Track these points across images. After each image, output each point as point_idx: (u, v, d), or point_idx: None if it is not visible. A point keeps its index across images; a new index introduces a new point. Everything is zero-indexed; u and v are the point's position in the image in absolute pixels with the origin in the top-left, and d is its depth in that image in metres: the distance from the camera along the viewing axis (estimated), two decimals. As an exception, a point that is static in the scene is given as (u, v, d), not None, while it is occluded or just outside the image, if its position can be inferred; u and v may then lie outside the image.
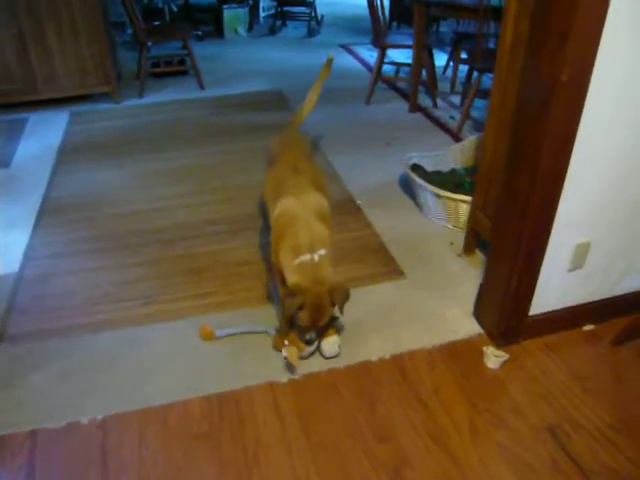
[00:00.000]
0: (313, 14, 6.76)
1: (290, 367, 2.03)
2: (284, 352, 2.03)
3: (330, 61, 2.75)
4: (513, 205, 1.91)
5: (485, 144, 2.38)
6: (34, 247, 2.80)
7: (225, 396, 1.97)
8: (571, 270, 2.08)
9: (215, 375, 2.05)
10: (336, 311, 1.99)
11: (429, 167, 3.10)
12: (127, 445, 1.82)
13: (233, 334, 2.19)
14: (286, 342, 2.06)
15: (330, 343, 2.09)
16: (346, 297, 1.97)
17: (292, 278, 1.93)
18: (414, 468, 1.73)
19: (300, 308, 1.89)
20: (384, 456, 1.77)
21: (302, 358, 2.06)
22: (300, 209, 2.05)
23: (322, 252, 1.96)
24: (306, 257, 1.93)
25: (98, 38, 4.41)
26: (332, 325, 2.11)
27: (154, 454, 1.79)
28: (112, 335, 2.24)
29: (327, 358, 2.10)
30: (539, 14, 1.61)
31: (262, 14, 7.17)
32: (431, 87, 4.44)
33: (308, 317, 1.91)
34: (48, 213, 3.11)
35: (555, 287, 2.10)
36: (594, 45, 1.54)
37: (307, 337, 2.00)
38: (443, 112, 4.33)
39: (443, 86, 4.79)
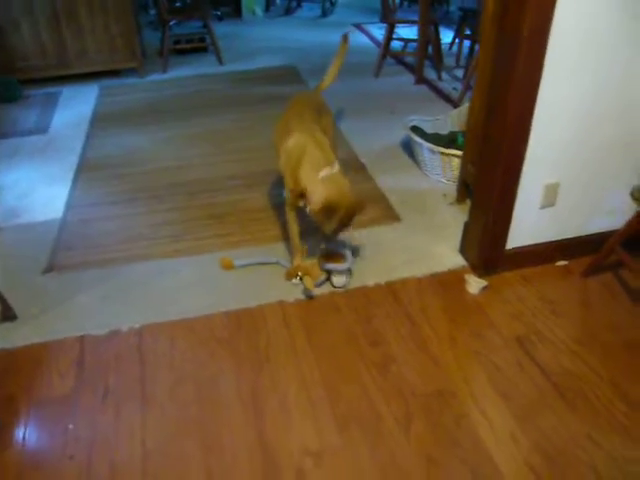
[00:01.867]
0: (327, -5, 7.05)
1: (307, 292, 2.37)
2: (295, 281, 2.40)
3: (345, 37, 3.02)
4: (489, 150, 2.22)
5: (473, 103, 2.68)
6: (74, 198, 3.17)
7: (242, 311, 2.32)
8: (542, 208, 2.37)
9: (233, 296, 2.39)
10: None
11: (429, 130, 3.40)
12: (160, 347, 2.18)
13: (249, 264, 2.53)
14: (299, 273, 2.39)
15: (339, 275, 2.41)
16: (363, 207, 2.19)
17: (322, 192, 2.10)
18: (399, 365, 2.07)
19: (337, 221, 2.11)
20: (375, 356, 2.10)
21: (317, 284, 2.39)
22: (307, 139, 2.24)
23: (337, 165, 2.19)
24: (327, 171, 2.14)
25: (126, 17, 4.76)
26: (341, 252, 2.42)
27: (183, 353, 2.14)
28: (145, 265, 2.60)
29: (336, 287, 2.42)
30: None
31: (278, -5, 7.48)
32: (436, 61, 4.73)
33: (338, 225, 2.12)
34: (85, 170, 3.47)
35: (529, 223, 2.41)
36: (551, 3, 1.83)
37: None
38: (447, 84, 4.61)
39: (449, 61, 5.07)
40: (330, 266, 2.37)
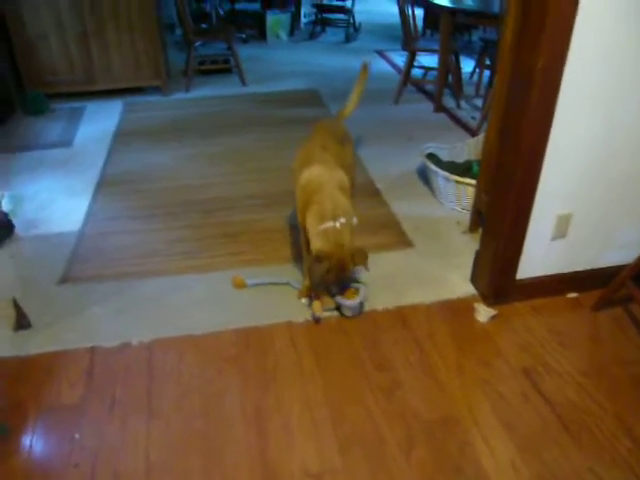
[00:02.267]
0: (351, 21, 7.17)
1: (313, 315, 2.38)
2: (304, 301, 2.43)
3: (365, 66, 3.10)
4: (502, 178, 2.24)
5: (488, 132, 2.70)
6: (93, 211, 3.25)
7: (251, 330, 2.35)
8: (554, 239, 2.38)
9: (243, 314, 2.42)
10: (362, 271, 2.34)
11: (445, 158, 3.43)
12: (168, 361, 2.21)
13: (261, 284, 2.56)
14: (312, 294, 2.41)
15: (349, 308, 2.41)
16: (366, 257, 2.26)
17: (316, 243, 2.22)
18: (405, 390, 2.07)
19: (326, 269, 2.19)
20: (381, 381, 2.11)
21: (325, 310, 2.40)
22: (325, 179, 2.32)
23: (342, 220, 2.24)
24: (329, 224, 2.22)
25: (152, 36, 4.89)
26: (354, 287, 2.42)
27: (190, 369, 2.17)
28: (158, 281, 2.65)
29: (347, 317, 2.42)
30: (523, 12, 1.95)
31: (303, 20, 7.62)
32: (456, 89, 4.78)
33: (333, 277, 2.22)
34: (105, 185, 3.55)
35: (540, 254, 2.41)
36: (566, 36, 1.86)
37: (333, 291, 2.33)
38: (466, 113, 4.66)
39: (469, 90, 5.12)
40: (340, 300, 2.37)
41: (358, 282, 2.45)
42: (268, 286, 2.57)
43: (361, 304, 2.41)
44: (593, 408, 2.01)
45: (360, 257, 2.24)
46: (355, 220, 2.88)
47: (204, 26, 6.53)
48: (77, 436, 1.91)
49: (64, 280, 2.66)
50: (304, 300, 2.44)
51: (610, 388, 2.10)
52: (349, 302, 2.36)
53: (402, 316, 2.43)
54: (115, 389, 2.10)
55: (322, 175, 2.34)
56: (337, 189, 2.32)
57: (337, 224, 2.22)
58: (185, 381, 2.12)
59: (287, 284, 2.55)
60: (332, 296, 2.37)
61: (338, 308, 2.43)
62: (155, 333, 2.34)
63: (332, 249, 2.18)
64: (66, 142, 4.24)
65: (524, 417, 1.97)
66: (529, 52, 1.94)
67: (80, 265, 2.77)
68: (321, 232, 2.22)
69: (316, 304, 2.36)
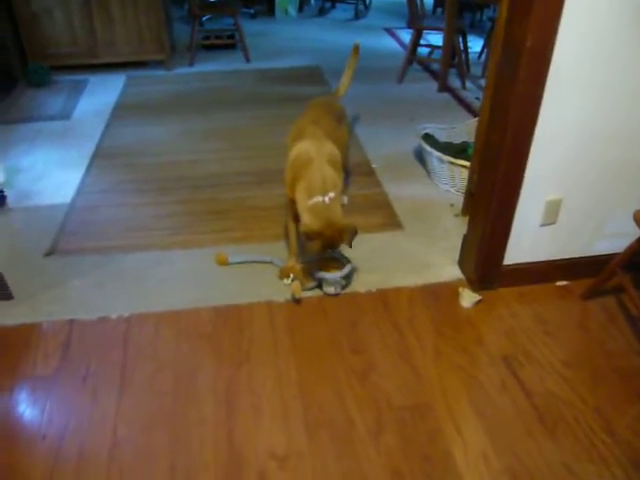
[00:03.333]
0: (361, -2, 7.03)
1: (293, 296, 2.34)
2: (286, 281, 2.38)
3: (356, 47, 3.06)
4: (489, 160, 2.17)
5: (482, 113, 2.62)
6: (85, 184, 3.23)
7: (230, 308, 2.32)
8: (543, 225, 2.32)
9: (224, 292, 2.40)
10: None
11: (443, 139, 3.36)
12: (145, 335, 2.19)
13: (243, 262, 2.53)
14: (291, 275, 2.39)
15: (330, 283, 2.37)
16: (354, 234, 2.23)
17: (306, 218, 2.18)
18: (379, 374, 2.04)
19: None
20: (356, 364, 2.08)
21: (305, 289, 2.37)
22: (314, 153, 2.27)
23: (332, 195, 2.20)
24: (318, 199, 2.18)
25: (155, 9, 4.83)
26: (339, 262, 2.41)
27: (166, 343, 2.16)
28: (142, 255, 2.63)
29: (327, 294, 2.39)
30: (513, -10, 1.87)
31: (313, -5, 7.49)
32: (461, 69, 4.67)
33: (321, 249, 2.19)
34: (99, 158, 3.53)
35: (528, 240, 2.35)
36: (555, 15, 1.78)
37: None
38: (470, 93, 4.55)
39: (477, 70, 5.00)
40: (321, 274, 2.35)
41: (346, 259, 2.42)
42: (251, 264, 2.54)
43: (343, 279, 2.38)
44: (572, 400, 1.96)
45: (347, 234, 2.19)
46: (345, 199, 2.84)
47: (211, 0, 6.43)
48: (47, 408, 1.91)
49: (51, 252, 2.65)
50: (286, 281, 2.40)
51: (592, 380, 2.04)
52: (329, 275, 2.33)
53: (384, 299, 2.38)
54: (90, 362, 2.09)
55: (311, 149, 2.29)
56: (326, 163, 2.27)
57: (326, 199, 2.18)
58: (159, 356, 2.11)
59: (270, 263, 2.52)
60: (314, 274, 2.34)
61: (320, 286, 2.39)
62: (135, 308, 2.32)
63: (321, 227, 2.15)
64: (66, 114, 4.23)
65: (499, 406, 1.93)
66: (519, 30, 1.86)
67: (68, 238, 2.76)
68: (310, 207, 2.18)
69: (296, 285, 2.32)
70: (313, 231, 2.14)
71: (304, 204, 2.20)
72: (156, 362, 2.08)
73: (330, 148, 2.35)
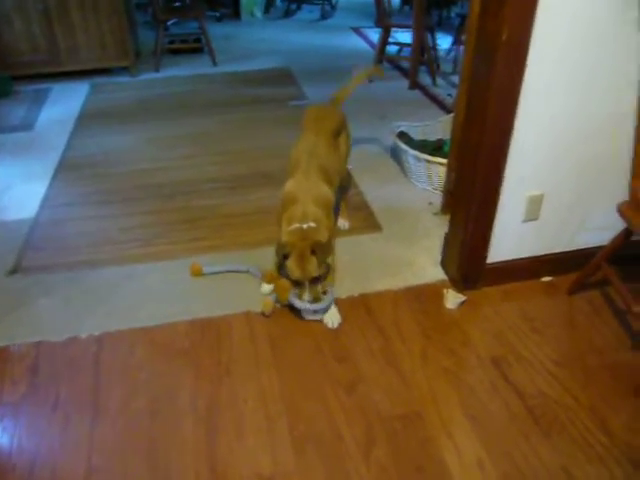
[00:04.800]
0: (327, -2, 6.97)
1: (263, 313, 2.22)
2: (265, 288, 2.30)
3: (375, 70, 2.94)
4: (468, 156, 2.11)
5: (457, 109, 2.57)
6: (50, 197, 3.09)
7: (207, 321, 2.22)
8: (526, 221, 2.26)
9: (200, 304, 2.29)
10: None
11: (417, 137, 3.30)
12: (118, 356, 2.08)
13: (219, 272, 2.43)
14: (268, 286, 2.30)
15: (331, 315, 2.22)
16: (327, 251, 2.15)
17: (283, 238, 2.17)
18: (367, 383, 1.96)
19: (286, 257, 2.10)
20: (341, 374, 1.99)
21: (280, 304, 2.25)
22: (302, 194, 2.22)
23: (312, 224, 2.15)
24: (296, 225, 2.15)
25: (117, 14, 4.69)
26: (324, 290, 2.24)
27: (140, 363, 2.04)
28: (112, 270, 2.50)
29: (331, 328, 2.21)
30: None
31: (279, -3, 7.41)
32: (431, 66, 4.63)
33: (294, 265, 2.09)
34: (64, 169, 3.39)
35: (511, 237, 2.30)
36: (531, 5, 1.73)
37: (304, 294, 2.14)
38: (442, 90, 4.51)
39: (447, 67, 4.97)
40: (293, 300, 2.17)
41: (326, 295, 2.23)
42: (227, 274, 2.43)
43: (317, 311, 2.19)
44: (566, 400, 1.91)
45: (319, 249, 2.10)
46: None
47: (176, 4, 6.30)
48: (16, 437, 1.79)
49: (14, 270, 2.52)
50: (266, 287, 2.31)
51: (584, 377, 1.99)
52: (301, 304, 2.16)
53: (366, 304, 2.31)
54: (60, 387, 1.97)
55: (299, 192, 2.25)
56: (311, 202, 2.22)
57: (304, 226, 2.15)
58: (134, 377, 1.99)
59: (247, 272, 2.42)
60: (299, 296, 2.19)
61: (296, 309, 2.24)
62: (106, 326, 2.20)
63: (295, 240, 2.11)
64: (28, 125, 4.07)
65: (492, 410, 1.86)
66: (493, 23, 1.80)
67: (32, 254, 2.62)
68: (289, 231, 2.17)
69: (267, 302, 2.22)
70: (286, 242, 2.11)
71: (285, 230, 2.19)
72: (131, 384, 1.97)
73: (320, 190, 2.28)
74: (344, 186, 2.71)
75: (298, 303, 2.16)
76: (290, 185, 2.30)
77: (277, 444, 1.75)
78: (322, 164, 2.36)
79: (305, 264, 2.10)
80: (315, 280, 2.14)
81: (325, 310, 2.21)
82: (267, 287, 2.32)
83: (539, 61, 1.88)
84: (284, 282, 2.21)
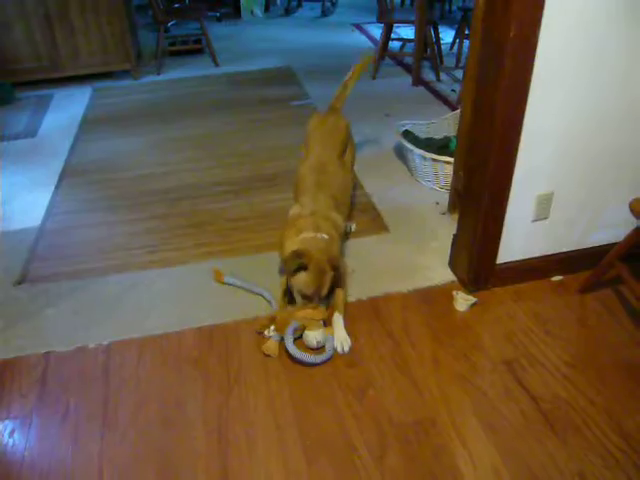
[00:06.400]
0: (328, -5, 6.93)
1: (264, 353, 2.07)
2: (267, 333, 2.10)
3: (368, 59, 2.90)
4: (477, 156, 2.08)
5: (464, 107, 2.53)
6: (55, 204, 3.07)
7: (216, 328, 2.20)
8: (536, 220, 2.23)
9: (208, 311, 2.27)
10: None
11: (422, 135, 3.27)
12: (127, 365, 2.06)
13: (236, 286, 2.36)
14: (272, 327, 2.08)
15: (341, 338, 2.10)
16: (344, 271, 2.12)
17: (297, 244, 2.06)
18: (378, 389, 1.93)
19: (303, 269, 1.98)
20: (351, 380, 1.97)
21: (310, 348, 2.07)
22: (310, 213, 2.22)
23: (325, 236, 2.10)
24: (310, 234, 2.09)
25: (119, 18, 4.67)
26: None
27: (149, 373, 2.03)
28: (119, 278, 2.49)
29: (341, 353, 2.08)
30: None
31: (279, -5, 7.37)
32: (434, 62, 4.59)
33: (312, 280, 1.99)
34: (68, 176, 3.38)
35: (521, 236, 2.26)
36: (539, 1, 1.69)
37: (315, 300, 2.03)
38: (446, 86, 4.47)
39: (450, 61, 4.93)
40: (298, 355, 2.00)
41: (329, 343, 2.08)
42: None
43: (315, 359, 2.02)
44: (581, 402, 1.88)
45: (338, 268, 2.05)
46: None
47: (176, 6, 6.28)
48: (26, 452, 1.77)
49: (21, 281, 2.51)
50: (268, 332, 2.10)
51: (598, 379, 1.96)
52: (298, 353, 1.99)
53: (375, 307, 2.28)
54: (69, 399, 1.95)
55: (306, 219, 2.21)
56: (322, 219, 2.22)
57: (318, 235, 2.10)
58: (143, 388, 1.98)
59: (260, 295, 2.32)
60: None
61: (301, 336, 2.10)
62: (114, 335, 2.19)
63: (312, 252, 2.01)
64: (31, 132, 4.06)
65: (506, 416, 1.84)
66: (500, 19, 1.76)
67: (39, 264, 2.61)
68: (300, 240, 2.09)
69: (270, 344, 2.06)
70: (303, 251, 2.00)
71: (292, 240, 2.12)
72: (140, 394, 1.95)
73: (327, 213, 2.26)
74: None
75: (298, 354, 1.99)
76: (295, 211, 2.29)
77: (289, 454, 1.73)
78: (329, 178, 2.36)
79: (324, 280, 2.02)
80: (325, 297, 2.10)
81: (326, 361, 2.04)
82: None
83: (548, 55, 1.84)
84: (286, 316, 2.08)
